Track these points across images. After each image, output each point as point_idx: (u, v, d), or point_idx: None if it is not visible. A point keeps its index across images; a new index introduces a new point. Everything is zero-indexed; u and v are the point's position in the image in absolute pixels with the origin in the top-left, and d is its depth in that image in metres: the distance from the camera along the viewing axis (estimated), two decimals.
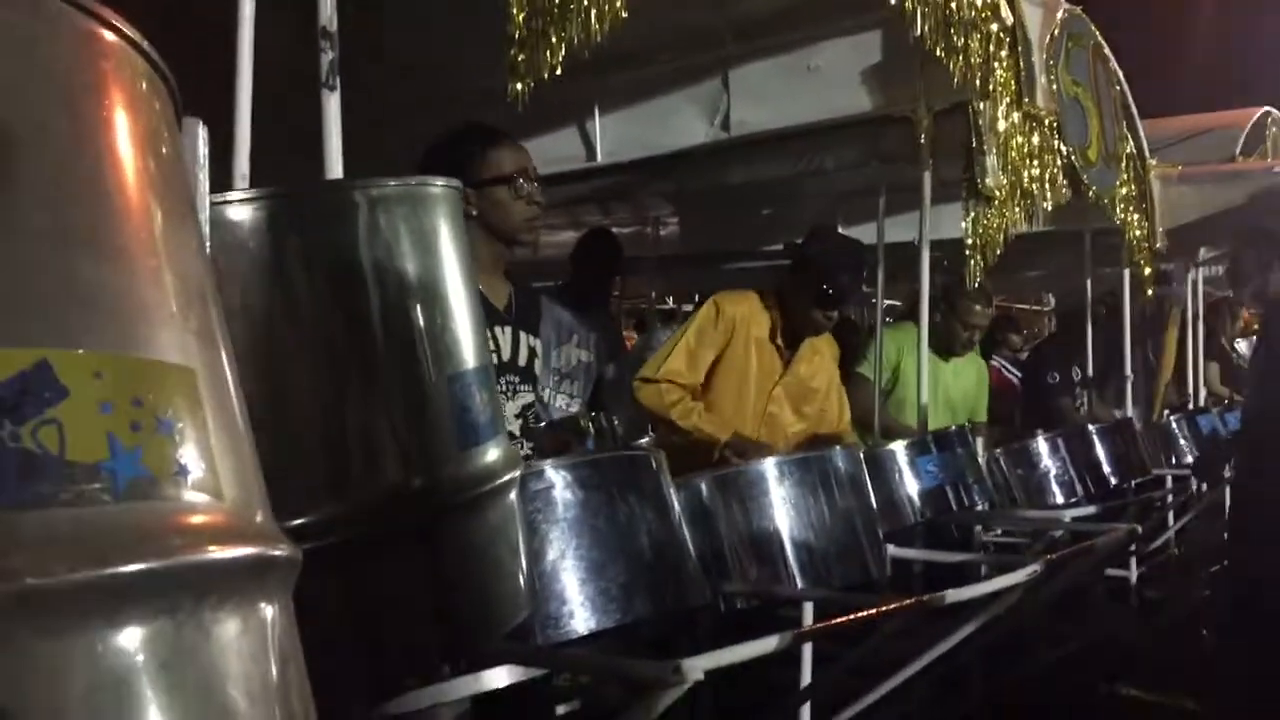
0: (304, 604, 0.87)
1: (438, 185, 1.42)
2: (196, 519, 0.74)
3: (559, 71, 2.60)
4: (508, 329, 2.80)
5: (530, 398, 2.87)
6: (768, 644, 2.14)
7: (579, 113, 4.66)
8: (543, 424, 4.23)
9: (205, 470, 0.76)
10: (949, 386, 5.26)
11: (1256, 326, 7.02)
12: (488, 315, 2.75)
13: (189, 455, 0.74)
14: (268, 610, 0.79)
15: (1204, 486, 5.67)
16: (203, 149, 0.93)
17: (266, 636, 0.78)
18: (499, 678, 2.26)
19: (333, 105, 2.06)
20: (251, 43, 1.94)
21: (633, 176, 5.20)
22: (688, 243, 7.64)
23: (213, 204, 1.06)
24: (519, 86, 2.58)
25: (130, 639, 0.65)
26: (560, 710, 3.40)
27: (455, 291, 1.40)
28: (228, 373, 0.84)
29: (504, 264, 2.79)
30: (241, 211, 1.22)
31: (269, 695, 0.77)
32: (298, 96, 2.17)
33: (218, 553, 0.74)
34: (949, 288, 5.11)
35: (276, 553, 0.80)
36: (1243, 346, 9.10)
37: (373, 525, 1.26)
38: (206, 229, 0.93)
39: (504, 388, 2.76)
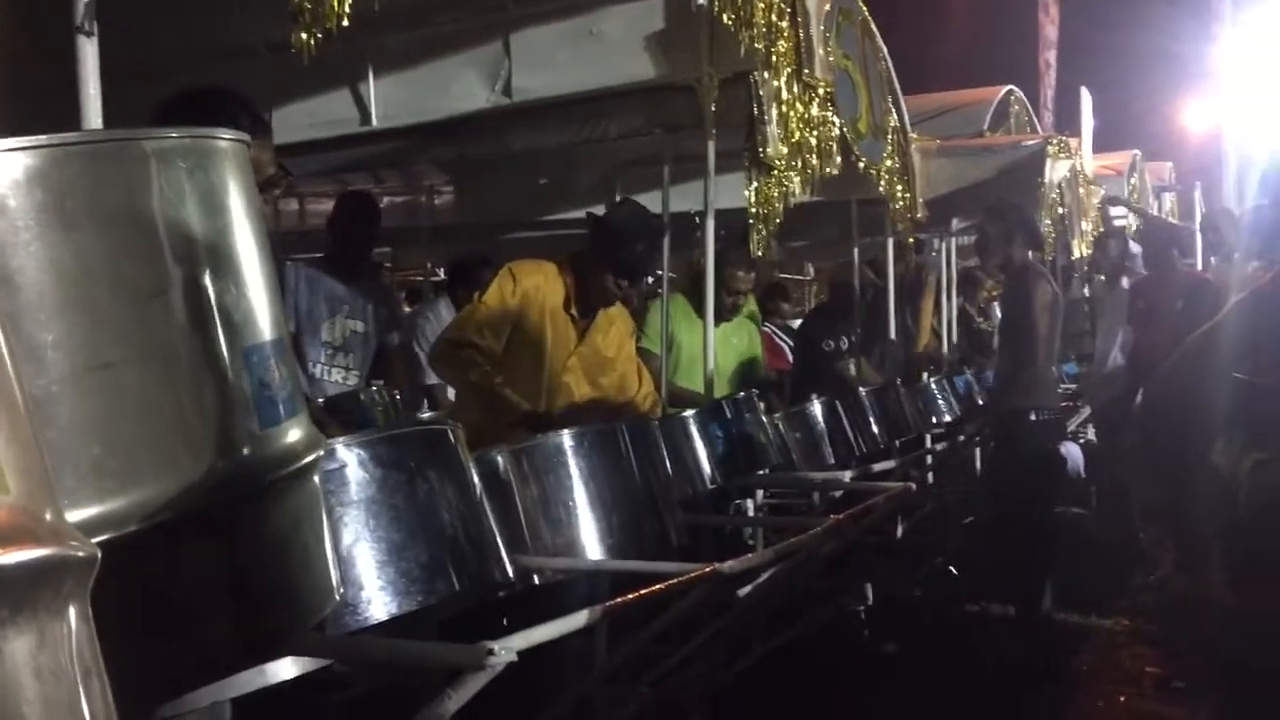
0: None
1: (225, 138, 1.28)
2: None
3: (345, 22, 2.43)
4: None
5: None
6: (576, 621, 2.11)
7: (352, 74, 4.44)
8: (320, 401, 4.05)
9: None
10: (721, 352, 5.35)
11: (998, 294, 7.52)
12: None
13: None
14: (66, 620, 0.68)
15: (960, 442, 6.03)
16: None
17: (67, 649, 0.67)
18: (284, 670, 2.13)
19: (89, 52, 1.86)
20: None
21: (410, 142, 5.03)
22: (463, 212, 7.48)
23: None
24: (304, 36, 2.40)
25: None
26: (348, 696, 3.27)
27: (248, 256, 1.27)
28: (3, 346, 0.72)
29: None
30: None
31: (74, 719, 0.66)
32: (47, 45, 1.95)
33: (5, 557, 0.63)
34: (719, 255, 5.23)
35: (73, 553, 0.69)
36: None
37: (163, 516, 1.13)
38: None
39: None
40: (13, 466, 0.66)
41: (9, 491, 0.64)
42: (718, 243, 5.10)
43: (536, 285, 3.74)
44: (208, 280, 1.21)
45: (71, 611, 0.69)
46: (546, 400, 3.73)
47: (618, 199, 6.36)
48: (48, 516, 0.70)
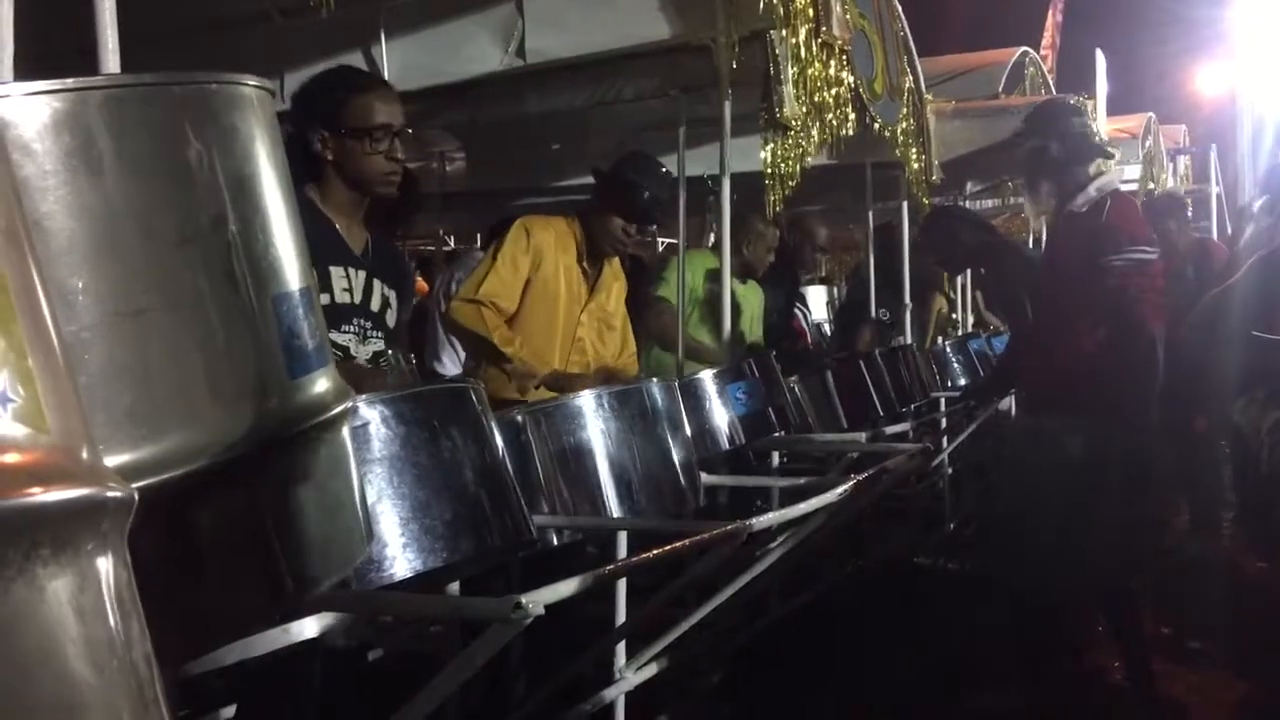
0: None
1: (250, 84, 1.26)
2: (16, 456, 0.62)
3: None
4: (361, 273, 2.70)
5: (382, 345, 2.75)
6: (598, 576, 2.10)
7: (362, 36, 4.40)
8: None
9: (24, 397, 0.63)
10: (740, 311, 5.30)
11: None
12: (343, 257, 2.65)
13: (4, 378, 0.62)
14: (105, 561, 0.68)
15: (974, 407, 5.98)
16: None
17: (107, 591, 0.67)
18: (308, 628, 2.13)
19: (107, 5, 1.84)
20: None
21: (422, 106, 4.97)
22: (475, 179, 7.44)
23: None
24: None
25: None
26: (370, 657, 3.29)
27: (275, 206, 1.26)
28: (37, 282, 0.71)
29: (362, 210, 2.72)
30: (24, 108, 1.04)
31: (116, 661, 0.65)
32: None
33: (44, 495, 0.62)
34: (740, 215, 5.16)
35: (110, 494, 0.68)
36: None
37: (195, 464, 1.12)
38: None
39: (356, 330, 2.69)
40: (51, 405, 0.65)
41: (48, 431, 0.63)
42: (733, 206, 5.06)
43: (550, 240, 3.75)
44: (235, 228, 1.19)
45: (110, 553, 0.68)
46: (562, 356, 3.75)
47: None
48: (85, 456, 0.70)
